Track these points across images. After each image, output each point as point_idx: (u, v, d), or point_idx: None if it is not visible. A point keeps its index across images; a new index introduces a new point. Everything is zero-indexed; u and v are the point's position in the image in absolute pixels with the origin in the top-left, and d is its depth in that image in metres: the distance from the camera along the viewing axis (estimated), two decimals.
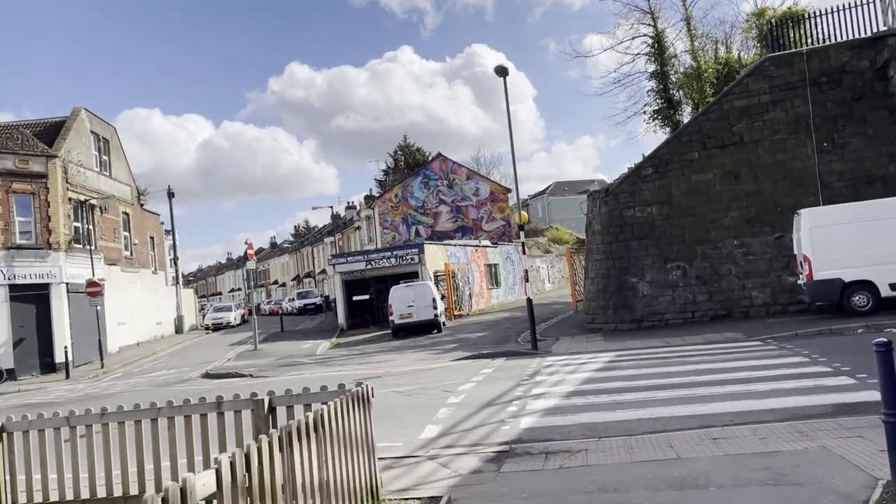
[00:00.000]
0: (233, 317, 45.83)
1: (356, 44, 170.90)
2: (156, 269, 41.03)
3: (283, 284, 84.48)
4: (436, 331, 27.52)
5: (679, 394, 10.13)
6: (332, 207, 47.64)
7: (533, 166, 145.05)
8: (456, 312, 34.33)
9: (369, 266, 33.39)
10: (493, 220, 47.47)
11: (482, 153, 74.68)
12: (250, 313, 68.58)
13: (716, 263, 21.15)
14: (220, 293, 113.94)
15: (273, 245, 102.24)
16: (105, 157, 34.35)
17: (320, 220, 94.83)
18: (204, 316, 49.08)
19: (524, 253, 19.61)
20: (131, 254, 36.56)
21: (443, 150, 59.44)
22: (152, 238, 40.70)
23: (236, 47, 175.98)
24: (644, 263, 22.06)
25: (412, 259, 32.71)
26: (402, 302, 27.05)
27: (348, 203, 58.45)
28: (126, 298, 35.13)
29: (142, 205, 38.92)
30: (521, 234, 18.94)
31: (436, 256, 33.94)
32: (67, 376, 25.47)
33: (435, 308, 27.16)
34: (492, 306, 39.83)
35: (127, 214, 36.39)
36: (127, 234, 36.24)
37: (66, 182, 29.08)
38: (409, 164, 57.71)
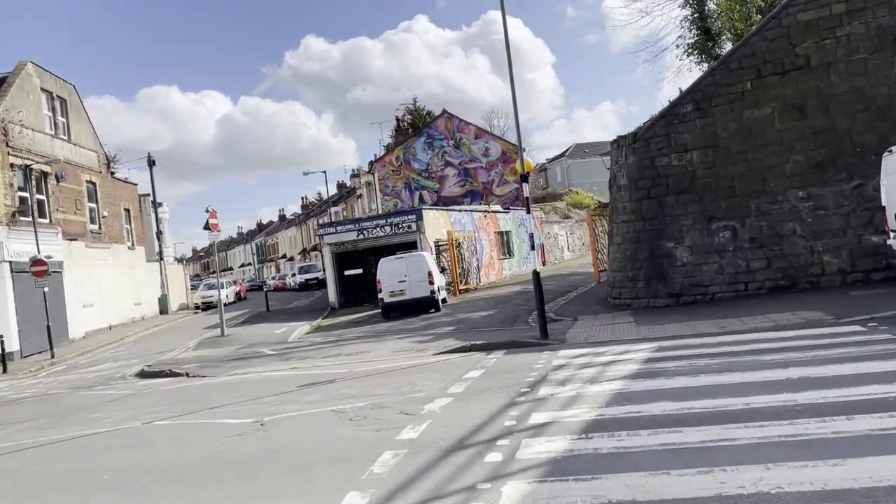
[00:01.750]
0: (225, 294, 42.06)
1: (371, 14, 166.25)
2: (133, 244, 37.31)
3: (291, 258, 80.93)
4: (433, 310, 23.47)
5: (779, 432, 5.92)
6: (324, 172, 43.65)
7: (552, 134, 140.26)
8: (462, 286, 30.23)
9: (361, 236, 29.33)
10: (506, 184, 43.08)
11: (495, 117, 68.89)
12: (250, 290, 65.13)
13: (775, 221, 16.74)
14: (231, 268, 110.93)
15: (282, 218, 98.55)
16: (62, 119, 30.43)
17: (333, 190, 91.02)
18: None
19: (529, 211, 15.35)
20: (99, 227, 32.81)
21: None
22: (128, 210, 36.94)
23: (251, 22, 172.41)
24: (683, 224, 17.71)
25: (409, 227, 28.57)
26: (393, 277, 22.99)
27: (353, 171, 54.24)
28: (95, 277, 31.48)
29: (112, 173, 35.06)
30: (525, 186, 14.67)
31: (437, 224, 29.76)
32: (4, 370, 21.82)
33: (432, 283, 23.06)
34: (503, 279, 35.66)
35: (93, 184, 32.57)
36: (93, 205, 32.45)
37: (7, 146, 25.19)
38: (416, 127, 53.25)
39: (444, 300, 25.95)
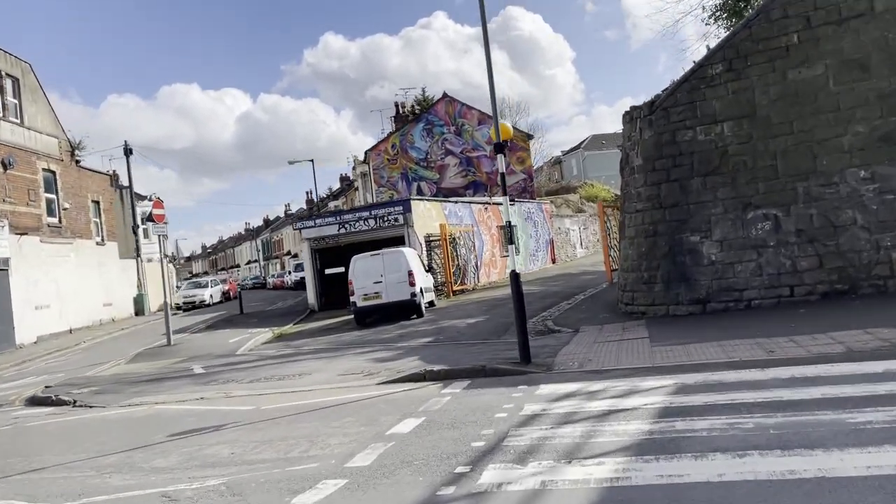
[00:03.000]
0: (208, 294, 39.10)
1: (390, 12, 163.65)
2: (103, 239, 34.32)
3: (295, 255, 77.94)
4: (415, 315, 20.10)
5: None
6: (311, 161, 40.32)
7: (573, 130, 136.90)
8: (457, 287, 26.84)
9: (343, 230, 26.04)
10: (512, 174, 39.46)
11: (506, 107, 65.40)
12: (253, 288, 62.14)
13: (829, 209, 13.20)
14: (237, 265, 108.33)
15: (287, 214, 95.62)
16: (12, 100, 27.41)
17: (335, 184, 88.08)
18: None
19: (505, 192, 11.92)
20: (60, 221, 29.79)
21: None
22: (97, 202, 33.92)
23: (270, 20, 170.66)
24: (711, 213, 14.22)
25: (395, 220, 25.22)
26: (367, 277, 19.67)
27: (354, 161, 50.81)
28: (53, 275, 28.46)
29: (78, 161, 32.05)
30: (500, 158, 11.20)
31: (428, 216, 26.39)
32: None
33: (413, 284, 19.68)
34: (506, 277, 32.12)
35: (52, 172, 29.55)
36: (52, 196, 29.43)
37: None
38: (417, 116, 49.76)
39: (430, 303, 22.62)
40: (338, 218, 25.98)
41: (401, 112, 43.01)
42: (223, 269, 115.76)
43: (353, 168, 44.26)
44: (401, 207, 25.20)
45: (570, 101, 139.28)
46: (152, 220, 20.42)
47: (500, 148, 10.98)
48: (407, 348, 14.67)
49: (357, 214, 25.79)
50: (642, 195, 15.49)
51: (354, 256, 20.43)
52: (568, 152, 76.96)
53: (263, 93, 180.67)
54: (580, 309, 18.05)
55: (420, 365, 11.20)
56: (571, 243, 42.24)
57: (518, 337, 10.43)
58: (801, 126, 13.54)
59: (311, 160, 39.26)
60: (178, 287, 45.10)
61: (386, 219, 25.26)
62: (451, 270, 26.41)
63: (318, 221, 26.27)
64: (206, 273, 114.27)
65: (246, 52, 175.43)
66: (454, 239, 27.33)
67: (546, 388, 8.28)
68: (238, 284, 48.58)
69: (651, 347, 10.39)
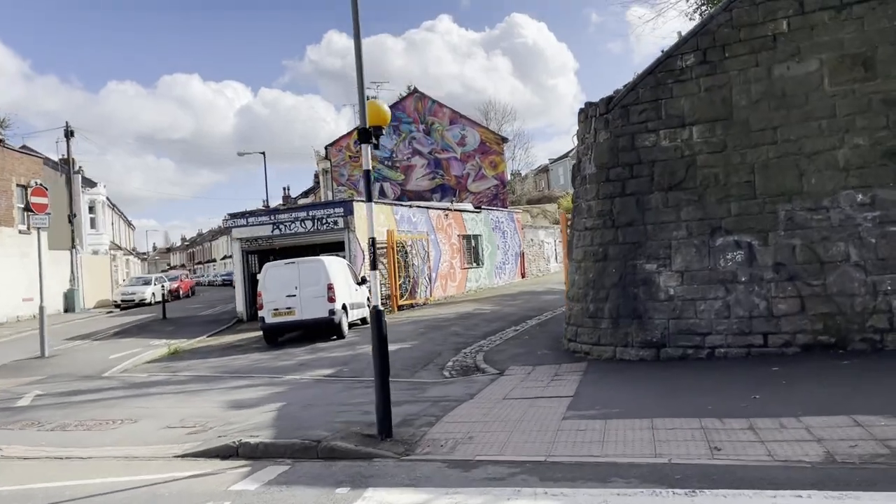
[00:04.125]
0: (149, 292, 36.16)
1: (394, 12, 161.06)
2: (29, 228, 31.40)
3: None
4: (335, 336, 17.32)
5: None
6: (263, 153, 37.39)
7: (573, 140, 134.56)
8: (404, 301, 24.10)
9: (277, 231, 23.24)
10: (483, 179, 36.80)
11: (492, 110, 62.80)
12: (223, 284, 59.01)
13: (816, 240, 10.54)
14: (213, 259, 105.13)
15: (266, 208, 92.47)
16: None
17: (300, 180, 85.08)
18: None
19: (370, 198, 9.16)
20: None
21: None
22: (24, 187, 31.01)
23: (274, 14, 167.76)
24: (672, 236, 11.55)
25: (335, 223, 22.45)
26: (280, 289, 16.88)
27: (317, 156, 47.77)
28: None
29: (0, 140, 29.15)
30: (365, 149, 8.44)
31: (374, 220, 23.56)
32: None
33: (332, 300, 16.89)
34: (466, 292, 29.44)
35: None
36: None
37: None
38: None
39: (363, 321, 19.86)
40: (272, 217, 23.19)
41: None
42: (199, 262, 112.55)
43: (317, 164, 41.42)
44: (342, 209, 22.44)
45: (571, 112, 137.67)
46: (31, 210, 17.57)
47: (365, 136, 8.22)
48: (292, 384, 11.95)
49: (293, 214, 23.00)
50: (593, 210, 12.80)
51: (266, 264, 17.65)
52: (556, 160, 74.38)
53: (264, 87, 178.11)
54: (521, 340, 15.35)
55: (258, 426, 8.41)
56: (545, 257, 39.56)
57: (377, 403, 7.65)
58: (786, 134, 10.87)
59: (263, 152, 36.40)
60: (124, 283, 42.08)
61: (325, 221, 22.50)
62: (398, 282, 23.65)
63: (250, 220, 23.47)
64: (182, 266, 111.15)
65: (248, 45, 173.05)
66: (404, 247, 24.59)
67: (375, 495, 5.53)
68: (207, 281, 45.52)
69: (562, 419, 7.63)
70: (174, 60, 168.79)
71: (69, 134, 34.69)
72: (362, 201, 23.76)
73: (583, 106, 13.63)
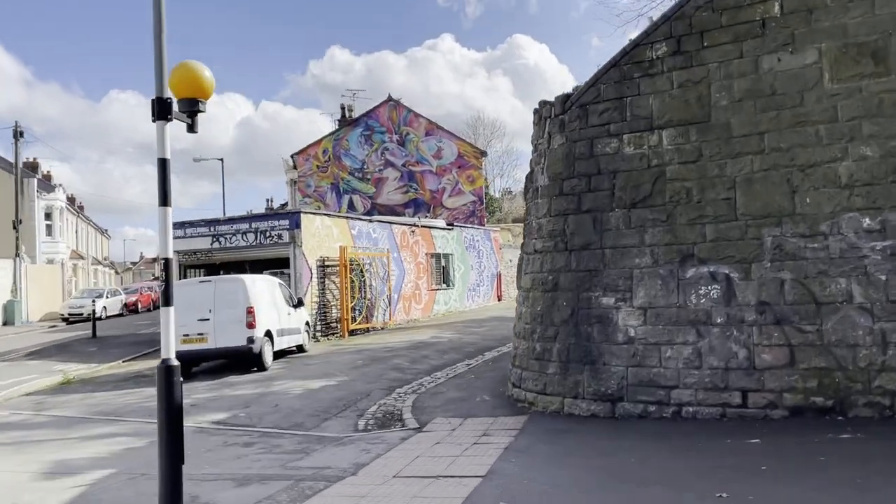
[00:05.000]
0: (100, 306, 33.77)
1: (397, 30, 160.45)
2: None
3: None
4: (255, 368, 15.06)
5: None
6: (221, 160, 35.16)
7: None
8: (358, 325, 21.87)
9: (217, 244, 21.03)
10: (460, 194, 34.66)
11: (481, 125, 60.86)
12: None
13: (811, 274, 8.37)
14: None
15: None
16: None
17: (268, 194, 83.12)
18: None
19: (166, 202, 6.70)
20: None
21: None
22: None
23: (278, 28, 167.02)
24: (634, 263, 9.39)
25: (279, 237, 20.24)
26: (191, 311, 14.62)
27: (285, 165, 45.46)
28: None
29: None
30: (161, 129, 6.15)
31: (327, 235, 21.43)
32: None
33: (252, 326, 14.66)
34: (433, 316, 27.19)
35: None
36: None
37: None
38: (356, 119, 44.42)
39: (299, 348, 17.64)
40: (212, 228, 20.98)
41: (346, 116, 38.13)
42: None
43: (286, 174, 39.18)
44: (287, 221, 20.24)
45: None
46: None
47: (163, 109, 5.94)
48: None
49: (235, 226, 20.79)
50: (543, 229, 10.63)
51: (178, 283, 15.44)
52: None
53: (265, 100, 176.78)
54: (466, 380, 13.12)
55: None
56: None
57: None
58: (775, 142, 8.75)
59: (221, 159, 34.30)
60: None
61: (269, 234, 20.30)
62: (349, 304, 21.41)
63: (188, 231, 21.26)
64: (156, 278, 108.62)
65: (251, 58, 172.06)
66: (360, 265, 22.37)
67: None
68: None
69: None
70: None
71: (18, 134, 32.49)
72: (312, 213, 21.64)
73: (537, 106, 11.50)
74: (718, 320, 8.75)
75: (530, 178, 11.58)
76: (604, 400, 9.31)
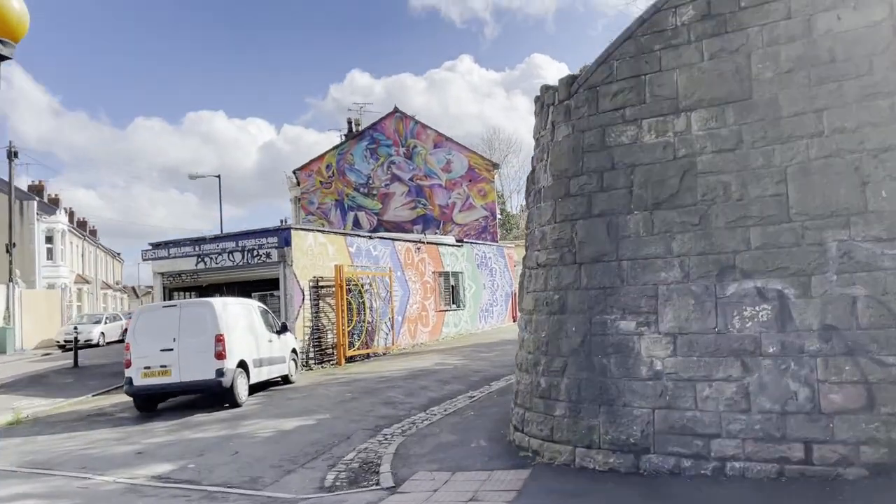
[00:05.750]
0: (97, 332, 32.39)
1: (417, 52, 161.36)
2: None
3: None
4: (227, 405, 13.26)
5: None
6: (218, 177, 33.62)
7: None
8: (356, 351, 20.08)
9: (203, 265, 19.38)
10: (471, 209, 32.86)
11: (496, 140, 59.20)
12: None
13: (891, 290, 6.43)
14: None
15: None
16: None
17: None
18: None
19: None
20: None
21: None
22: None
23: (299, 54, 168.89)
24: (658, 278, 7.51)
25: (267, 255, 18.54)
26: (153, 340, 12.93)
27: (289, 182, 43.90)
28: None
29: None
30: None
31: (321, 254, 19.71)
32: None
33: (221, 357, 12.86)
34: (441, 339, 25.31)
35: None
36: None
37: None
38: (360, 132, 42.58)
39: (284, 378, 15.87)
40: (197, 248, 19.34)
41: (353, 130, 36.60)
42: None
43: (290, 191, 37.55)
44: (275, 238, 18.52)
45: None
46: None
47: None
48: (77, 497, 7.92)
49: (220, 245, 19.14)
50: (547, 238, 8.78)
51: (139, 308, 13.84)
52: None
53: (287, 123, 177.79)
54: (464, 418, 11.25)
55: None
56: None
57: None
58: (838, 121, 6.86)
59: (218, 176, 32.85)
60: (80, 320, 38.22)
61: (256, 253, 18.61)
62: (347, 329, 19.61)
63: (172, 251, 19.65)
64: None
65: (273, 84, 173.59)
66: (358, 286, 20.60)
67: None
68: None
69: None
70: (200, 97, 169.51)
71: (12, 155, 31.29)
72: (304, 229, 19.97)
73: (539, 93, 9.69)
74: (770, 350, 6.82)
75: (532, 178, 9.75)
76: (625, 451, 7.39)
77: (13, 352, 30.30)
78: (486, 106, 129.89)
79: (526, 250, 9.87)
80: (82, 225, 58.78)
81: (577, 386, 7.95)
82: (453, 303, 26.74)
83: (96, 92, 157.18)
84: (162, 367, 12.75)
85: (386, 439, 10.35)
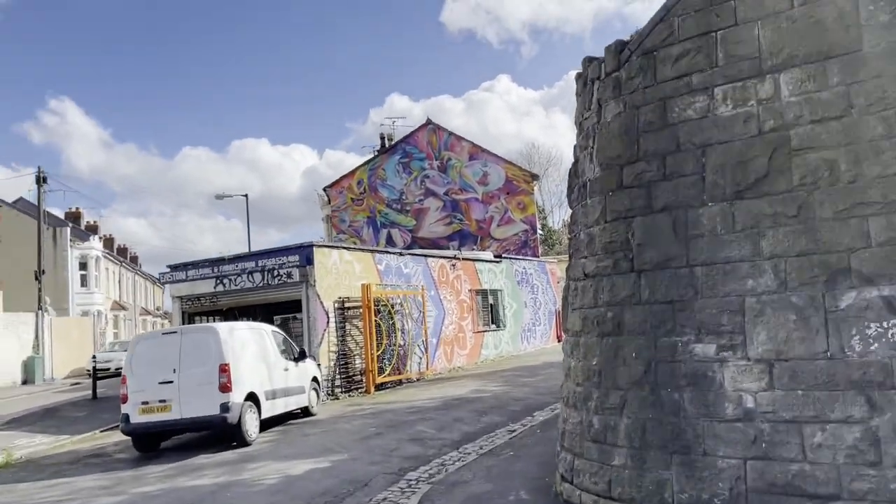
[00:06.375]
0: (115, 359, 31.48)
1: (454, 74, 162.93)
2: None
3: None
4: (235, 444, 11.76)
5: None
6: (245, 196, 32.48)
7: None
8: (386, 377, 18.53)
9: (222, 287, 18.10)
10: (510, 223, 31.18)
11: (535, 153, 57.46)
12: None
13: None
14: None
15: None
16: None
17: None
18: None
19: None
20: None
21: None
22: None
23: (340, 78, 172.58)
24: (745, 288, 5.76)
25: (288, 275, 17.15)
26: (152, 371, 11.56)
27: (320, 201, 42.82)
28: None
29: None
30: None
31: (347, 272, 18.27)
32: None
33: (226, 389, 11.39)
34: (480, 362, 23.59)
35: None
36: None
37: None
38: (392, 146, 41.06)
39: (303, 410, 14.37)
40: (215, 269, 18.10)
41: (386, 145, 35.38)
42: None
43: (321, 209, 36.33)
44: (297, 257, 17.13)
45: None
46: None
47: None
48: None
49: (240, 265, 17.84)
50: (596, 242, 7.11)
51: (136, 336, 12.48)
52: None
53: (329, 148, 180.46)
54: (501, 459, 9.58)
55: None
56: None
57: None
58: None
59: (245, 195, 31.84)
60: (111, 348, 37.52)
61: (277, 273, 17.25)
62: (376, 353, 18.07)
63: (190, 273, 18.43)
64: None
65: (315, 109, 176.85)
66: (389, 306, 19.07)
67: None
68: None
69: None
70: (245, 126, 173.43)
71: (41, 180, 30.79)
72: (328, 246, 18.57)
73: (581, 68, 8.05)
74: None
75: (574, 171, 8.09)
76: None
77: (42, 381, 29.56)
78: (525, 125, 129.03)
79: (570, 259, 8.19)
80: (122, 252, 58.80)
81: (640, 428, 6.23)
82: (492, 322, 25.02)
83: (145, 124, 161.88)
84: (161, 402, 11.32)
85: (409, 486, 8.77)
